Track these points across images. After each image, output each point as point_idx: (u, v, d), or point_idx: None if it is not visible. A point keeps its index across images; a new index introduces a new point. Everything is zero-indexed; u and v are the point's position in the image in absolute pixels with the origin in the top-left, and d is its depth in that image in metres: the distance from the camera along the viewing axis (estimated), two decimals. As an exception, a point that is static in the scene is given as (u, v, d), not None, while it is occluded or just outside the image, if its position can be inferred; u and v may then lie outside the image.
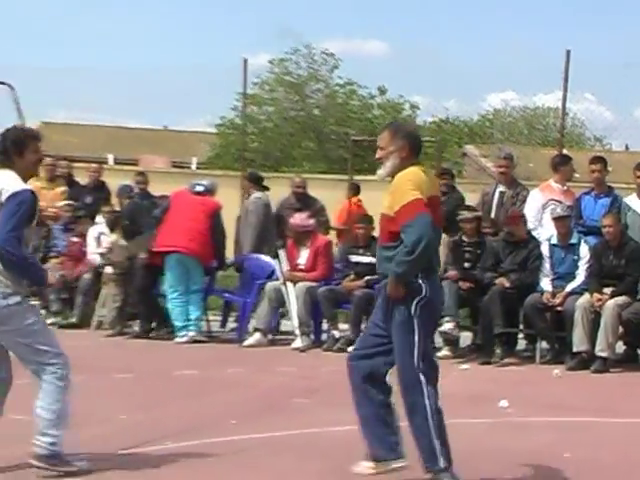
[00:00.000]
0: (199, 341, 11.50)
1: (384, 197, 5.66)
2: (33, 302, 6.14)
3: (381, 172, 5.71)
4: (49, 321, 10.48)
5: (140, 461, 6.01)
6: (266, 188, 13.02)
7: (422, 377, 5.46)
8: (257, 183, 13.05)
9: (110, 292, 12.19)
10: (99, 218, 12.88)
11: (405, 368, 5.50)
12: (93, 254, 12.64)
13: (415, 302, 5.42)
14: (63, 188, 13.92)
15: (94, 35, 59.80)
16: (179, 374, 9.14)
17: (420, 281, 5.44)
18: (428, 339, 5.67)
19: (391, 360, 5.61)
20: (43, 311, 11.36)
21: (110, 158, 23.60)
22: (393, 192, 5.54)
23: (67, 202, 13.41)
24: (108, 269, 12.32)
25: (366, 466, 5.74)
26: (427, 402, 5.45)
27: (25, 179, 5.73)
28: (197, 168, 24.19)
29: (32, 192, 5.65)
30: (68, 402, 5.72)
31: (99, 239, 12.64)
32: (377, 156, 5.72)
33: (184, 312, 11.51)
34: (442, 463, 5.47)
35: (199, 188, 11.87)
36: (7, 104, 17.73)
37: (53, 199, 13.52)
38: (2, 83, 17.43)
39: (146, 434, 6.51)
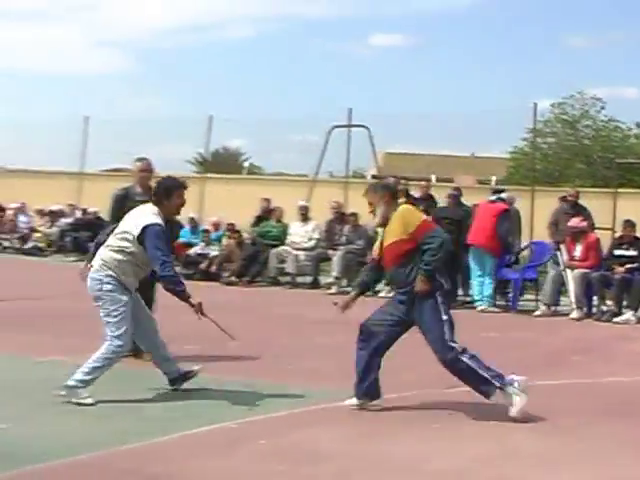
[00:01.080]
0: (490, 311, 11.33)
1: (387, 232, 5.50)
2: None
3: (377, 220, 5.60)
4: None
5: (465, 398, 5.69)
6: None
7: (454, 344, 5.33)
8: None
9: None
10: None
11: (442, 343, 5.33)
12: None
13: (438, 293, 5.35)
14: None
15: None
16: (484, 335, 8.89)
17: (438, 278, 5.37)
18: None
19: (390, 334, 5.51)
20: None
21: (433, 178, 23.91)
22: (400, 222, 5.42)
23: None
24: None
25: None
26: (463, 357, 5.30)
27: (167, 217, 5.75)
28: (495, 184, 23.86)
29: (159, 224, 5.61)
30: (104, 367, 5.60)
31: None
32: (369, 210, 5.60)
33: (480, 289, 11.53)
34: (497, 383, 5.26)
35: (492, 197, 11.97)
36: (365, 142, 18.16)
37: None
38: (361, 126, 18.02)
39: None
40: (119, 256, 5.68)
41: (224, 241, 14.96)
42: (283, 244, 13.96)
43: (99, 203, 14.02)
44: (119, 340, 5.59)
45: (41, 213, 18.94)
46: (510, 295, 12.06)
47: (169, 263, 5.63)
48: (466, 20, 62.85)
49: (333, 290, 12.75)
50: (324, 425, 5.25)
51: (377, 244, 5.70)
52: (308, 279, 13.93)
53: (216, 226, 15.50)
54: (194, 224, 15.29)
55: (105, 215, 8.64)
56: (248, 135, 45.01)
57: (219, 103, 62.95)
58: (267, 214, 14.86)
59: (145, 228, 5.56)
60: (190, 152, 32.96)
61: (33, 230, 18.66)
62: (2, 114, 49.68)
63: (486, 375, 5.28)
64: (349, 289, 10.62)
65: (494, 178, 26.39)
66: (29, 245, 18.12)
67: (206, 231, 15.33)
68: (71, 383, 5.53)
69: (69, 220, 18.13)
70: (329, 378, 6.44)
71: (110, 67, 67.10)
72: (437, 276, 5.40)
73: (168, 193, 5.73)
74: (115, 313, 5.62)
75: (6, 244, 18.29)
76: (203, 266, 14.30)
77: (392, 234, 5.46)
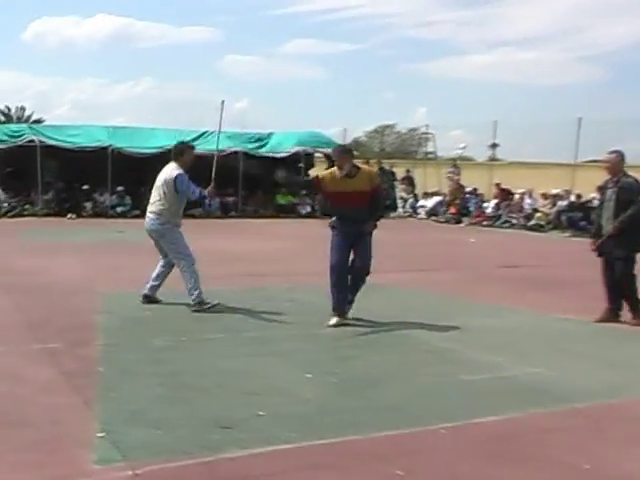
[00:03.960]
0: None
1: (351, 182, 7.89)
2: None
3: (343, 172, 7.93)
4: None
5: None
6: None
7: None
8: None
9: None
10: None
11: (368, 260, 7.98)
12: None
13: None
14: None
15: None
16: None
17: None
18: None
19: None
20: None
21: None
22: (369, 177, 8.10)
23: None
24: None
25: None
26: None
27: (184, 169, 8.60)
28: None
29: (182, 174, 8.56)
30: (194, 277, 8.40)
31: None
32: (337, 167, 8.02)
33: None
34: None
35: None
36: None
37: None
38: None
39: None
40: None
41: None
42: None
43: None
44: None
45: (544, 196, 22.69)
46: None
47: None
48: None
49: None
50: None
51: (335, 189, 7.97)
52: None
53: None
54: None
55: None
56: None
57: None
58: None
59: None
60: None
61: (535, 210, 22.45)
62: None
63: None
64: None
65: None
66: (532, 222, 21.88)
67: None
68: (194, 301, 8.43)
69: (565, 202, 21.62)
70: None
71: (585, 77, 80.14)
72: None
73: None
74: None
75: (514, 222, 22.46)
76: None
77: (361, 184, 7.86)
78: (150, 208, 8.85)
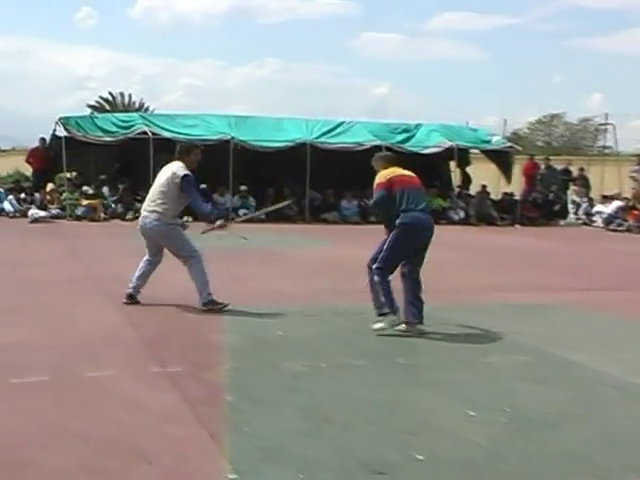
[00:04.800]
0: None
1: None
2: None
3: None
4: None
5: None
6: None
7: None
8: None
9: None
10: None
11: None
12: None
13: None
14: None
15: None
16: None
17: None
18: None
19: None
20: None
21: None
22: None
23: None
24: None
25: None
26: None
27: (189, 168, 9.52)
28: None
29: (190, 175, 9.43)
30: (204, 276, 9.30)
31: None
32: None
33: None
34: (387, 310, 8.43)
35: None
36: None
37: None
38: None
39: None
40: None
41: None
42: None
43: None
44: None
45: None
46: None
47: None
48: None
49: None
50: None
51: None
52: None
53: None
54: None
55: None
56: None
57: None
58: None
59: None
60: None
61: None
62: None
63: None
64: None
65: None
66: None
67: None
68: (204, 301, 9.23)
69: None
70: None
71: None
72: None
73: None
74: None
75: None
76: None
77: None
78: (149, 207, 9.57)
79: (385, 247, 8.55)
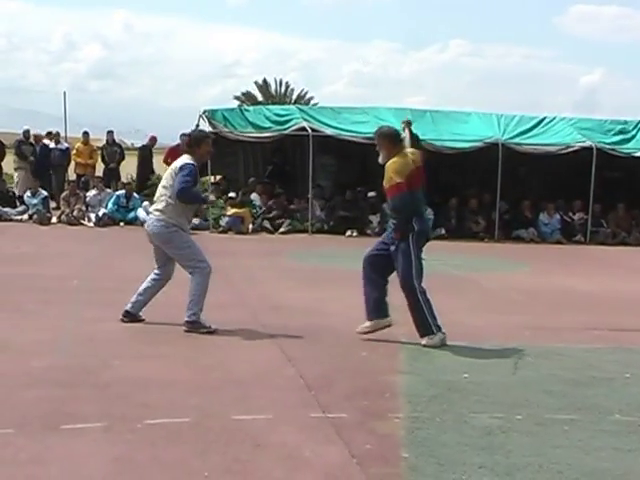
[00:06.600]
0: None
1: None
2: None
3: (380, 159, 9.58)
4: None
5: None
6: None
7: (416, 283, 9.44)
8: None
9: None
10: None
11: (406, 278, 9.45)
12: None
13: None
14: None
15: None
16: None
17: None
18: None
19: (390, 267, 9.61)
20: None
21: None
22: (388, 170, 9.41)
23: None
24: None
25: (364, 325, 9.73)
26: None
27: (198, 162, 9.70)
28: None
29: (190, 165, 9.58)
30: (203, 292, 9.66)
31: None
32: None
33: None
34: (435, 329, 9.43)
35: None
36: None
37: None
38: None
39: None
40: None
41: None
42: None
43: None
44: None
45: None
46: None
47: None
48: None
49: None
50: None
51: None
52: None
53: None
54: None
55: None
56: None
57: None
58: None
59: None
60: None
61: None
62: None
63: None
64: None
65: None
66: None
67: None
68: (190, 319, 9.54)
69: None
70: None
71: None
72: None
73: None
74: None
75: None
76: None
77: (385, 179, 9.53)
78: (152, 207, 10.07)
79: (412, 260, 9.36)
